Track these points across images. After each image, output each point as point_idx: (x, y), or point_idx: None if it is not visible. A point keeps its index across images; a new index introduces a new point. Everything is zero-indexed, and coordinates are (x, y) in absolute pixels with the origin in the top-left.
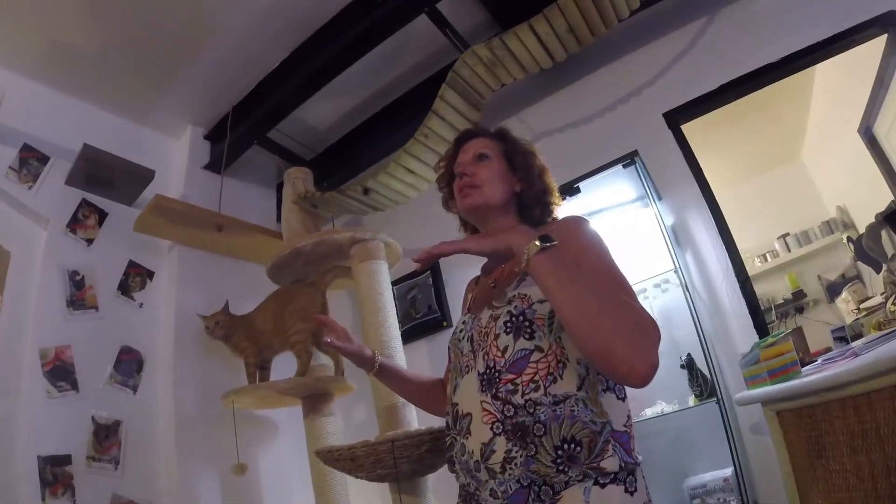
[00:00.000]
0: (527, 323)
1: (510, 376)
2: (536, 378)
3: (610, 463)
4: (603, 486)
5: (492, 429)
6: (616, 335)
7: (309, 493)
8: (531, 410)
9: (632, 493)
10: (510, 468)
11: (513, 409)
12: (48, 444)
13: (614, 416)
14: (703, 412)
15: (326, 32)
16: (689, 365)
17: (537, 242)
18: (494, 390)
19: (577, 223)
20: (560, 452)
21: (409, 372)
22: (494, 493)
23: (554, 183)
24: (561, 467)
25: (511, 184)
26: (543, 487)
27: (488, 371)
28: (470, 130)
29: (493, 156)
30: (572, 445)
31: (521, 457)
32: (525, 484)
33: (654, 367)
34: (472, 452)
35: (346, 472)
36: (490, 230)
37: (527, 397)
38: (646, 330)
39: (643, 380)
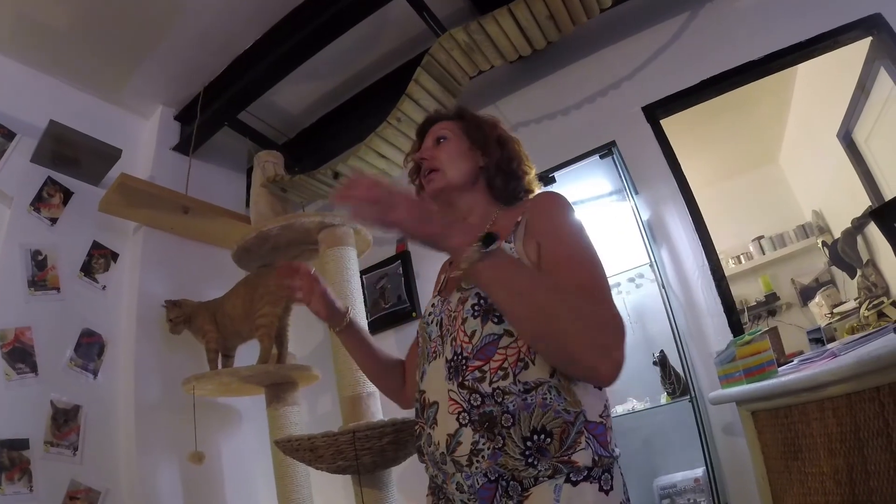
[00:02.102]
0: (495, 306)
1: (477, 363)
2: (505, 365)
3: (582, 456)
4: (575, 483)
5: (458, 419)
6: (574, 339)
7: (271, 484)
8: (499, 400)
9: (607, 493)
10: (477, 461)
11: (480, 399)
12: (5, 428)
13: (589, 406)
14: (675, 410)
15: (301, 13)
16: (662, 362)
17: (476, 246)
18: (461, 378)
19: (551, 200)
20: (529, 444)
21: (375, 343)
22: (461, 486)
23: (523, 151)
24: (530, 460)
25: (474, 159)
26: (511, 483)
27: (455, 358)
28: (428, 118)
29: (453, 136)
30: (542, 436)
31: (488, 449)
32: (492, 478)
33: (619, 366)
34: (438, 444)
35: (306, 462)
36: (457, 213)
37: (495, 385)
38: (607, 328)
39: (608, 380)
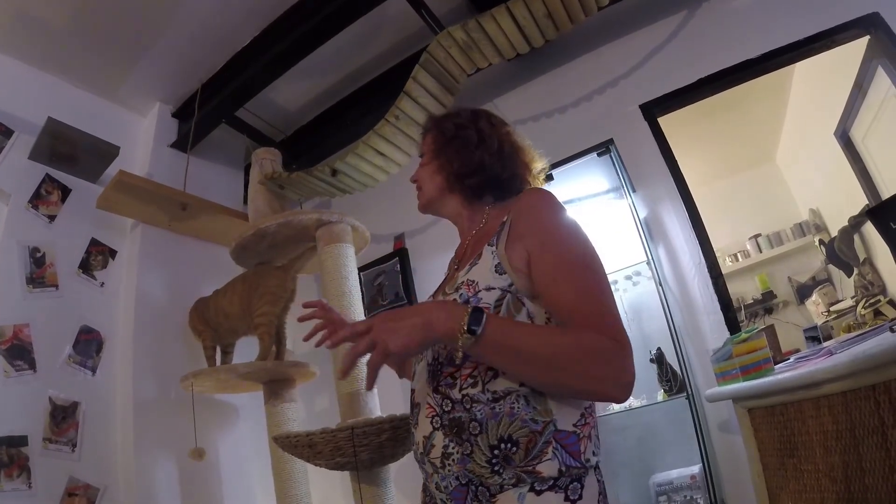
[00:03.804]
0: None
1: (450, 369)
2: (475, 373)
3: (547, 467)
4: (539, 492)
5: (431, 423)
6: (583, 382)
7: (269, 481)
8: (468, 407)
9: (574, 502)
10: (448, 464)
11: (451, 404)
12: (4, 425)
13: (561, 415)
14: (671, 408)
15: (299, 10)
16: (659, 359)
17: (465, 337)
18: (436, 383)
19: (535, 199)
20: (496, 452)
21: None
22: (439, 486)
23: (514, 141)
24: (496, 468)
25: (444, 168)
26: (480, 488)
27: (433, 363)
28: (423, 127)
29: (427, 150)
30: (509, 445)
31: (457, 454)
32: (463, 482)
33: (630, 384)
34: (419, 444)
35: (304, 459)
36: (448, 219)
37: (464, 392)
38: (613, 360)
39: (623, 399)
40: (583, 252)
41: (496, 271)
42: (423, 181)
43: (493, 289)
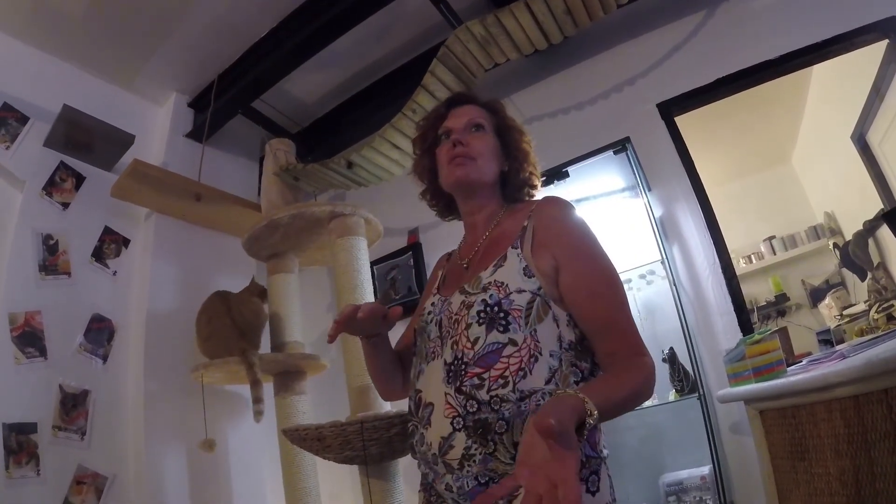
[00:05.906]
0: (502, 314)
1: (477, 370)
2: (506, 374)
3: None
4: None
5: (452, 423)
6: (638, 403)
7: (278, 473)
8: (496, 407)
9: (593, 494)
10: (468, 465)
11: (476, 405)
12: (13, 412)
13: None
14: (682, 408)
15: (317, 1)
16: (671, 359)
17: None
18: (459, 383)
19: (559, 208)
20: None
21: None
22: (450, 487)
23: (538, 166)
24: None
25: (500, 162)
26: None
27: (455, 362)
28: (464, 94)
29: (488, 129)
30: None
31: (479, 454)
32: (483, 482)
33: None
34: (431, 444)
35: (313, 452)
36: (472, 207)
37: (493, 393)
38: (650, 376)
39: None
40: (609, 265)
41: (525, 274)
42: (480, 155)
43: (524, 291)
